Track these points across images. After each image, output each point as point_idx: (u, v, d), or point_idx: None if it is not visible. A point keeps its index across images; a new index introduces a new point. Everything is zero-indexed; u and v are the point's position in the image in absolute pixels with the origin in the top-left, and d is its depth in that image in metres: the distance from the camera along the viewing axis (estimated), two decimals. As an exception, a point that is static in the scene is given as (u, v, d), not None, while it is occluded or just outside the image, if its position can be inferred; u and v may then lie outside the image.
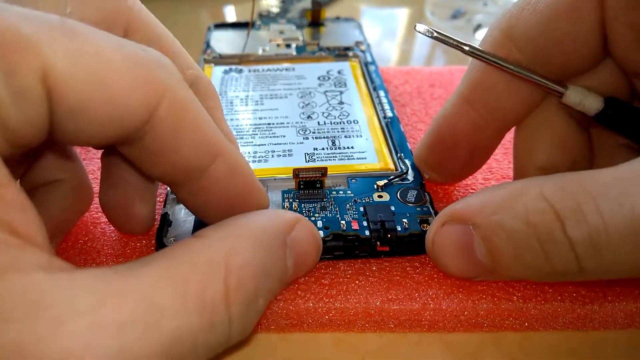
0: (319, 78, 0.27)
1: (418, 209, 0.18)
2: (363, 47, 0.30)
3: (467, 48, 0.17)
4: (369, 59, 0.29)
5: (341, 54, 0.30)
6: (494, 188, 0.15)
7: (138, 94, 0.12)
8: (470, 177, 0.22)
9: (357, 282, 0.17)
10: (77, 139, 0.12)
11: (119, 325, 0.10)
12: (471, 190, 0.22)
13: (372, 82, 0.27)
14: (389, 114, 0.24)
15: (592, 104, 0.17)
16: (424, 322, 0.17)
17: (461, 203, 0.16)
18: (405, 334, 0.17)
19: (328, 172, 0.19)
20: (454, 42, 0.16)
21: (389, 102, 0.25)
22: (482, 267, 0.15)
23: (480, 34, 0.38)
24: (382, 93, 0.26)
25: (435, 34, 0.16)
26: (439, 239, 0.16)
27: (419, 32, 0.17)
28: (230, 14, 0.44)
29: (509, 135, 0.26)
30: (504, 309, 0.16)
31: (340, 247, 0.17)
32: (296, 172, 0.19)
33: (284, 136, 0.23)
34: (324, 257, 0.17)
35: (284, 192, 0.20)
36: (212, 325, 0.11)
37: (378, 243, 0.17)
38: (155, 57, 0.12)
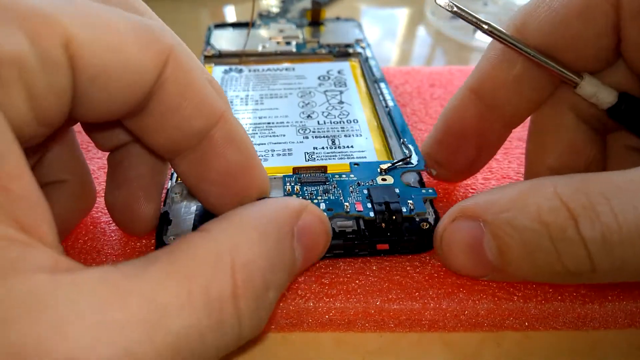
0: (319, 78, 0.27)
1: (423, 190, 0.18)
2: (363, 45, 0.30)
3: (485, 27, 0.16)
4: (369, 56, 0.29)
5: (341, 51, 0.30)
6: (506, 186, 0.15)
7: (148, 56, 0.12)
8: (470, 177, 0.22)
9: (357, 281, 0.17)
10: (96, 111, 0.12)
11: (122, 325, 0.10)
12: (471, 190, 0.22)
13: (373, 75, 0.27)
14: (390, 103, 0.24)
15: (605, 97, 0.17)
16: (424, 321, 0.17)
17: (472, 200, 0.16)
18: (405, 333, 0.17)
19: (328, 171, 0.19)
20: (474, 20, 0.17)
21: (390, 93, 0.25)
22: (490, 266, 0.15)
23: (480, 34, 0.38)
24: (383, 85, 0.26)
25: (455, 9, 0.17)
26: (448, 234, 0.16)
27: (440, 5, 0.17)
28: (230, 14, 0.44)
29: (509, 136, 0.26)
30: (504, 309, 0.16)
31: (340, 246, 0.17)
32: (296, 171, 0.19)
33: (284, 135, 0.23)
34: (324, 255, 0.17)
35: (285, 176, 0.19)
36: (221, 323, 0.11)
37: (383, 225, 0.17)
38: (156, 22, 0.13)
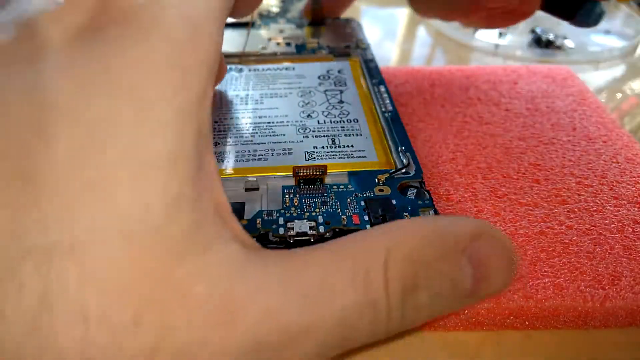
0: (319, 77, 0.27)
1: (420, 202, 0.18)
2: (363, 45, 0.30)
3: None
4: (369, 56, 0.29)
5: (341, 52, 0.30)
6: None
7: None
8: (470, 176, 0.22)
9: (357, 280, 0.17)
10: None
11: (303, 297, 0.11)
12: (471, 190, 0.22)
13: (373, 77, 0.27)
14: (390, 107, 0.24)
15: None
16: (424, 320, 0.17)
17: None
18: (404, 332, 0.17)
19: (328, 170, 0.19)
20: None
21: (390, 97, 0.25)
22: None
23: (481, 34, 0.38)
24: (382, 88, 0.26)
25: None
26: None
27: None
28: (230, 14, 0.44)
29: (509, 135, 0.26)
30: (504, 308, 0.16)
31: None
32: (296, 170, 0.19)
33: (284, 135, 0.23)
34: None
35: (284, 187, 0.19)
36: (374, 308, 0.12)
37: None
38: None
